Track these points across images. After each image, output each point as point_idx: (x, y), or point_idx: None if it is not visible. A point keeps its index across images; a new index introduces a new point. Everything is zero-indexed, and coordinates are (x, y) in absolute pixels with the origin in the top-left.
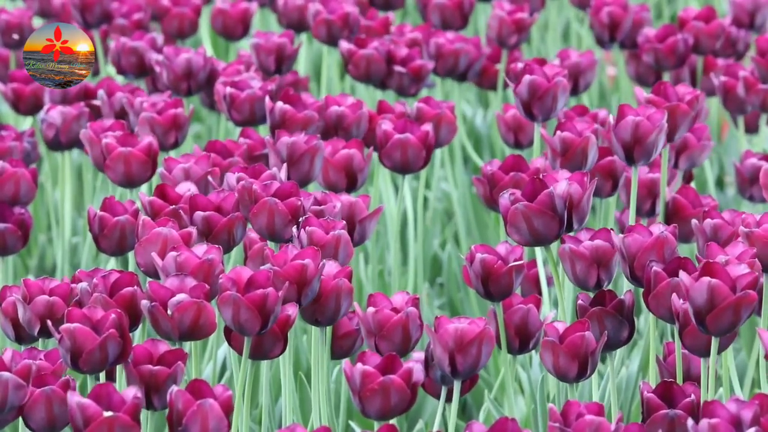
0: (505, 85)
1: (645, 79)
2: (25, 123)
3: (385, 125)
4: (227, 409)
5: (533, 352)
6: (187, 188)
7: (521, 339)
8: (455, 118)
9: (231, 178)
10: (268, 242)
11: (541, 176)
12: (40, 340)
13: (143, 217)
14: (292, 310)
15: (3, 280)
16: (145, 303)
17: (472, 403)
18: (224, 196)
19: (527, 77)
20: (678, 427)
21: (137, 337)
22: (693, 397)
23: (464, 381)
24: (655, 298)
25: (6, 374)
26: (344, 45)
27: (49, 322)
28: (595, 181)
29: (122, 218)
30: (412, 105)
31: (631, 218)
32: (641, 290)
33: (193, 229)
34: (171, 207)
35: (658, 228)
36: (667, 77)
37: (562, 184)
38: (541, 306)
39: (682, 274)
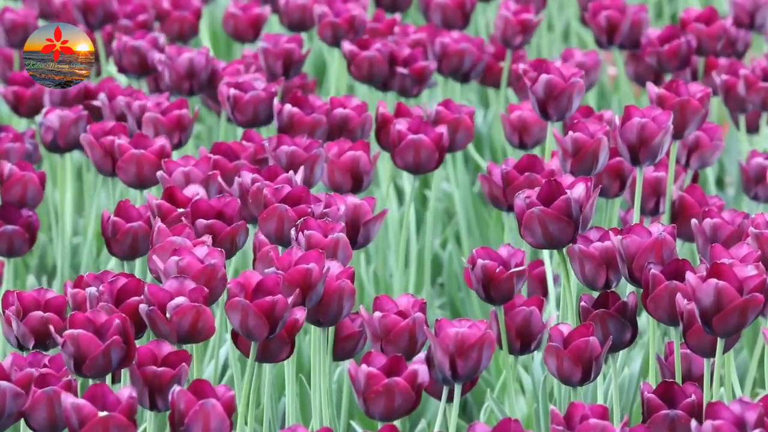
0: (516, 85)
1: (645, 79)
2: (25, 124)
3: (400, 125)
4: (229, 409)
5: (535, 351)
6: (195, 191)
7: (523, 341)
8: (472, 124)
9: (246, 177)
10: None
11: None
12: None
13: (159, 224)
14: (300, 314)
15: (4, 280)
16: (143, 307)
17: (473, 403)
18: (226, 202)
19: (544, 76)
20: (679, 427)
21: (142, 339)
22: (693, 397)
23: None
24: (653, 301)
25: (4, 383)
26: (347, 46)
27: (52, 328)
28: (599, 189)
29: (135, 224)
30: (414, 106)
31: (635, 219)
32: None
33: (208, 239)
34: (178, 211)
35: (657, 228)
36: (667, 78)
37: (578, 188)
38: (544, 307)
39: (689, 274)
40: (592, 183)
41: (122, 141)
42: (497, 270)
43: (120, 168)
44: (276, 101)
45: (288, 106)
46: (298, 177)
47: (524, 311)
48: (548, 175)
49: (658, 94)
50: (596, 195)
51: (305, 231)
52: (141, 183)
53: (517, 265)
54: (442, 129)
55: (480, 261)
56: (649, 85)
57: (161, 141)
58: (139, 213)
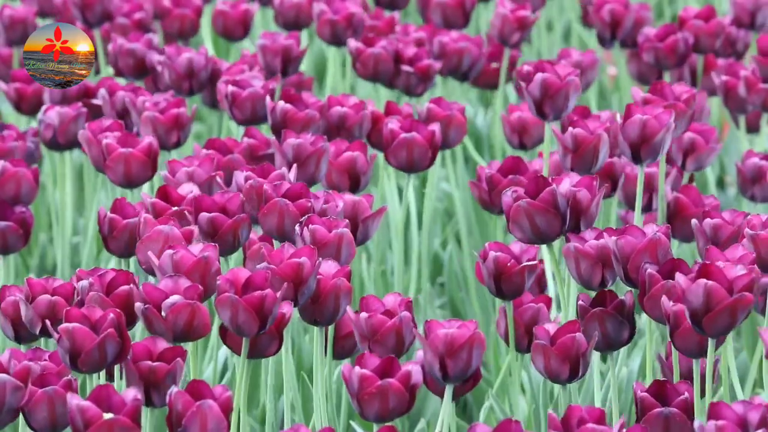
0: (517, 89)
1: (646, 78)
2: (26, 122)
3: (392, 124)
4: (227, 409)
5: None
6: (189, 189)
7: (531, 338)
8: (465, 120)
9: (239, 176)
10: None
11: (550, 178)
12: (42, 339)
13: (145, 215)
14: (287, 308)
15: (4, 280)
16: (138, 305)
17: (472, 403)
18: (229, 197)
19: (539, 75)
20: (673, 425)
21: (137, 336)
22: (687, 395)
23: (466, 382)
24: (650, 300)
25: (4, 376)
26: (352, 44)
27: (48, 323)
28: (604, 188)
29: (132, 221)
30: (417, 105)
31: (636, 217)
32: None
33: (195, 228)
34: (174, 208)
35: (651, 229)
36: (667, 76)
37: (565, 182)
38: (551, 306)
39: (679, 275)
40: (597, 182)
41: (110, 140)
42: (509, 263)
43: (108, 167)
44: (268, 98)
45: (281, 103)
46: (292, 174)
47: (532, 308)
48: (533, 176)
49: (644, 98)
50: (601, 194)
51: (310, 226)
52: (129, 182)
53: (529, 260)
54: (435, 126)
55: (492, 253)
56: (634, 89)
57: (149, 139)
58: (135, 210)
